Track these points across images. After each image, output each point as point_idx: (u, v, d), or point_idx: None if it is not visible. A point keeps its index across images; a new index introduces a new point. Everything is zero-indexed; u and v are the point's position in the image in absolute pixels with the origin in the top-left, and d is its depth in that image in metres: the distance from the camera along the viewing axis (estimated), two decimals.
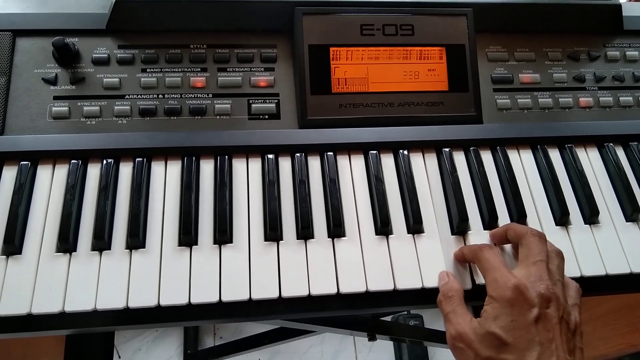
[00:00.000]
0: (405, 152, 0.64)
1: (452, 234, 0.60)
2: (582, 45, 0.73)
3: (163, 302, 0.51)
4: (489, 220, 0.60)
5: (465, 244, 0.59)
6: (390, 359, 1.58)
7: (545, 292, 0.46)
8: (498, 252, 0.52)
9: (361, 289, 0.54)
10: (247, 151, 0.62)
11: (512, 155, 0.65)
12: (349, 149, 0.64)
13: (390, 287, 0.55)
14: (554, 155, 0.66)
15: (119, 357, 1.53)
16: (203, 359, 1.50)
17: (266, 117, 0.64)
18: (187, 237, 0.55)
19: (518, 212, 0.60)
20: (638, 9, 0.75)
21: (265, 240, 0.57)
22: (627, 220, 0.62)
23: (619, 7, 0.72)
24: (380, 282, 0.55)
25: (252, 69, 0.66)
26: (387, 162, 0.63)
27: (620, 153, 0.67)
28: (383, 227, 0.58)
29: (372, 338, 1.09)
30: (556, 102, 0.69)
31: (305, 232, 0.57)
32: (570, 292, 0.50)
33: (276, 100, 0.64)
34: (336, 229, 0.58)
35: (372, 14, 0.66)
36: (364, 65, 0.66)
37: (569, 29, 0.73)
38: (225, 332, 1.59)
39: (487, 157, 0.65)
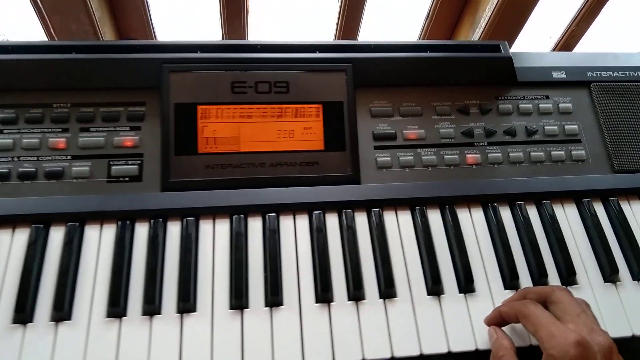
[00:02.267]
0: (274, 214, 0.60)
1: (316, 303, 0.56)
2: (473, 98, 0.70)
3: None
4: (354, 290, 0.56)
5: (330, 316, 0.55)
6: None
7: (604, 343, 0.44)
8: (541, 305, 0.49)
9: None
10: (102, 217, 0.58)
11: (389, 217, 0.62)
12: (214, 212, 0.60)
13: None
14: (434, 217, 0.63)
15: None
16: None
17: (126, 179, 0.60)
18: (21, 314, 0.52)
19: (385, 281, 0.57)
20: (530, 60, 0.73)
21: (107, 316, 0.53)
22: (505, 289, 0.59)
23: (509, 60, 0.70)
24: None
25: (117, 128, 0.63)
26: (255, 226, 0.60)
27: (506, 214, 0.64)
28: (237, 300, 0.54)
29: None
30: (441, 160, 0.66)
31: (150, 307, 0.53)
32: None
33: (139, 162, 0.61)
34: (185, 304, 0.54)
35: (244, 71, 0.64)
36: (235, 124, 0.63)
37: (460, 82, 0.70)
38: None
39: (361, 219, 0.62)
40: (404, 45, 0.69)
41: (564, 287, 0.50)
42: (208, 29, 1.15)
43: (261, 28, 1.15)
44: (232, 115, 0.63)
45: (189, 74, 0.63)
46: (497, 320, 0.53)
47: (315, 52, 0.67)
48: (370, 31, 1.17)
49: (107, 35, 0.99)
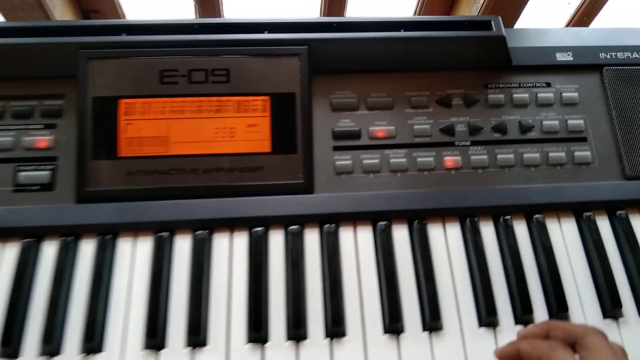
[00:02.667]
0: (206, 232, 0.51)
1: (246, 344, 0.47)
2: (456, 86, 0.58)
3: None
4: (294, 327, 0.47)
5: (262, 354, 0.46)
6: None
7: None
8: (570, 350, 0.41)
9: None
10: (4, 235, 0.50)
11: (346, 234, 0.52)
12: (136, 229, 0.51)
13: None
14: (400, 234, 0.53)
15: None
16: None
17: (36, 188, 0.51)
18: None
19: (333, 317, 0.47)
20: (528, 38, 0.60)
21: (1, 356, 0.45)
22: (479, 326, 0.49)
23: (502, 39, 0.58)
24: None
25: (29, 126, 0.53)
26: (182, 246, 0.51)
27: (488, 230, 0.53)
28: (152, 339, 0.46)
29: None
30: (413, 163, 0.55)
31: (49, 347, 0.45)
32: None
33: (52, 167, 0.52)
34: (89, 344, 0.45)
35: (175, 56, 0.53)
36: (165, 121, 0.53)
37: (441, 66, 0.58)
38: None
39: (312, 237, 0.52)
40: (372, 23, 0.57)
41: (599, 329, 0.41)
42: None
43: (239, 8, 1.03)
44: (161, 111, 0.53)
45: (110, 61, 0.53)
46: (512, 357, 0.44)
47: (264, 32, 0.55)
48: (358, 10, 1.03)
49: (59, 9, 0.89)
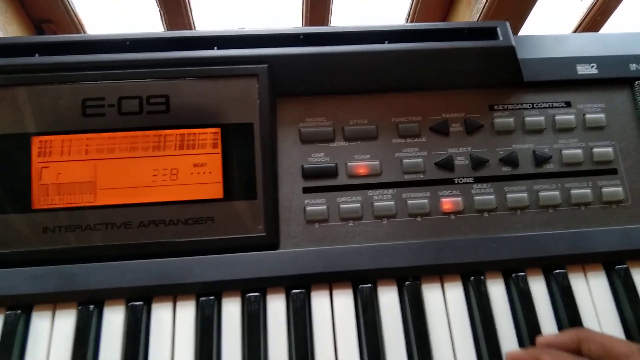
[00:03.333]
0: (141, 303, 0.40)
1: None
2: (455, 109, 0.47)
3: None
4: None
5: None
6: None
7: None
8: None
9: None
10: None
11: (319, 301, 0.42)
12: (54, 300, 0.41)
13: None
14: (388, 299, 0.42)
15: None
16: None
17: None
18: None
19: None
20: (543, 47, 0.49)
21: None
22: None
23: (510, 50, 0.47)
24: None
25: None
26: (113, 320, 0.40)
27: (497, 290, 0.43)
28: None
29: None
30: (402, 207, 0.44)
31: None
32: None
33: None
34: None
35: (101, 81, 0.43)
36: (90, 162, 0.42)
37: (436, 86, 0.48)
38: None
39: (277, 305, 0.41)
40: (348, 33, 0.46)
41: None
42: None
43: (211, 19, 0.92)
44: (85, 150, 0.42)
45: (19, 89, 0.42)
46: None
47: (212, 48, 0.45)
48: (345, 18, 0.92)
49: (2, 18, 0.78)
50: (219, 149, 0.43)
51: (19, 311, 0.40)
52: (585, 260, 0.44)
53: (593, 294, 0.43)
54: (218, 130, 0.43)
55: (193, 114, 0.43)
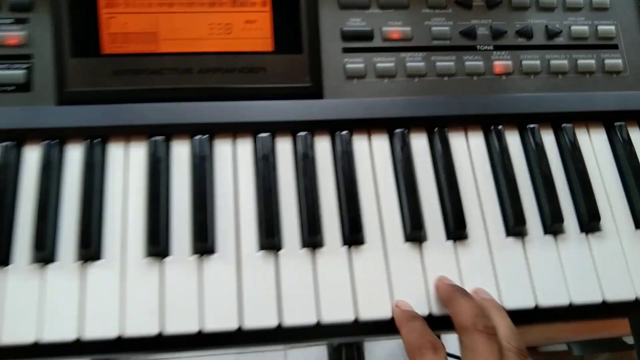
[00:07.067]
0: (206, 137, 0.46)
1: (261, 249, 0.43)
2: None
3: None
4: (308, 236, 0.43)
5: (277, 267, 0.42)
6: None
7: None
8: (443, 354, 0.37)
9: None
10: None
11: (360, 142, 0.47)
12: (127, 133, 0.46)
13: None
14: (419, 143, 0.48)
15: None
16: None
17: (11, 88, 0.45)
18: None
19: (350, 221, 0.43)
20: None
21: None
22: (507, 236, 0.45)
23: None
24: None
25: None
26: (180, 152, 0.46)
27: (514, 140, 0.49)
28: (153, 247, 0.41)
29: None
30: (431, 68, 0.50)
31: (40, 254, 0.40)
32: None
33: (27, 65, 0.46)
34: (86, 251, 0.41)
35: None
36: (153, 15, 0.47)
37: None
38: None
39: (323, 145, 0.47)
40: None
41: (490, 325, 0.37)
42: None
43: None
44: (148, 4, 0.47)
45: None
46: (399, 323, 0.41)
47: None
48: None
49: None
50: (268, 8, 0.48)
51: (97, 139, 0.45)
52: (588, 118, 0.51)
53: (594, 146, 0.50)
54: None
55: None
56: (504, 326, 0.37)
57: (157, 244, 0.41)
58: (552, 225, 0.45)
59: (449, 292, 0.40)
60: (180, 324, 0.40)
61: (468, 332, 0.36)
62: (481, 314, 0.37)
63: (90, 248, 0.41)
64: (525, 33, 0.52)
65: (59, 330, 0.39)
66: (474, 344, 0.36)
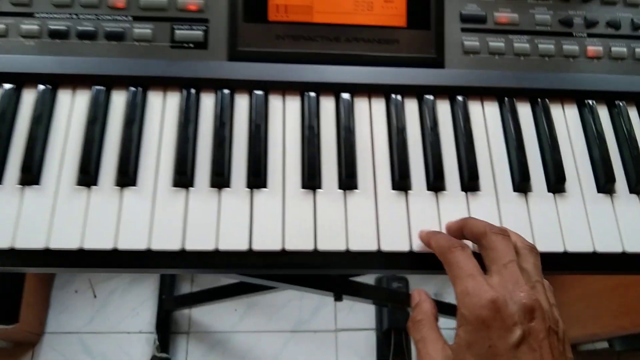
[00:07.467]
0: (348, 96, 0.55)
1: (393, 189, 0.52)
2: None
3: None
4: (434, 180, 0.52)
5: (407, 203, 0.51)
6: (370, 321, 1.53)
7: (527, 302, 0.37)
8: (470, 253, 0.42)
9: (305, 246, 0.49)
10: (166, 83, 0.54)
11: (474, 107, 0.57)
12: (284, 88, 0.55)
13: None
14: (524, 110, 0.57)
15: (95, 296, 1.52)
16: (178, 304, 1.48)
17: (191, 45, 0.55)
18: (86, 176, 0.49)
19: (469, 174, 0.52)
20: None
21: (173, 185, 0.50)
22: (598, 192, 0.54)
23: None
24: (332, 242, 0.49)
25: None
26: (327, 107, 0.55)
27: (603, 113, 0.58)
28: (310, 181, 0.51)
29: (338, 298, 1.04)
30: (535, 49, 0.59)
31: (219, 179, 0.50)
32: (548, 292, 0.41)
33: (205, 27, 0.56)
34: (255, 179, 0.50)
35: None
36: None
37: None
38: (201, 279, 1.56)
39: (444, 107, 0.56)
40: None
41: (504, 228, 0.43)
42: None
43: None
44: None
45: None
46: (426, 242, 0.48)
47: None
48: None
49: None
50: None
51: (260, 92, 0.55)
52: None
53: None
54: None
55: None
56: (513, 235, 0.44)
57: (314, 179, 0.51)
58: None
59: (461, 220, 0.47)
60: (233, 242, 0.48)
61: (486, 235, 0.42)
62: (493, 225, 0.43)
63: (260, 177, 0.50)
64: (614, 24, 0.61)
65: (99, 239, 0.47)
66: (492, 243, 0.41)
